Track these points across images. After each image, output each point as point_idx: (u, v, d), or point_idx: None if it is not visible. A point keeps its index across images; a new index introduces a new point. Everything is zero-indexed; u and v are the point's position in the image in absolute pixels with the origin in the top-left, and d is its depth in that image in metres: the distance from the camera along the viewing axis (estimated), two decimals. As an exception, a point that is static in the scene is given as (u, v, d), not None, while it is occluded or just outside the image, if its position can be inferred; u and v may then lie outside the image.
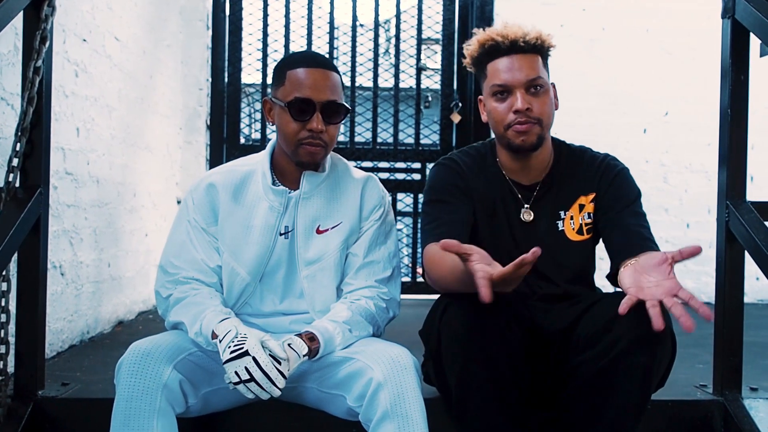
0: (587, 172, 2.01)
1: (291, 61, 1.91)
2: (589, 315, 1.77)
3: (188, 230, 1.93)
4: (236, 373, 1.61)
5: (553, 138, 2.05)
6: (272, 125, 1.94)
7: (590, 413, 1.70)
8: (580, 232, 1.99)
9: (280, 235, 1.91)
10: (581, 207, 1.99)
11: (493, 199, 1.99)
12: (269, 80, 4.54)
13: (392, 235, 2.02)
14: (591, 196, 2.00)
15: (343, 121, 1.90)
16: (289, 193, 1.92)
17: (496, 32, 1.92)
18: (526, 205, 1.99)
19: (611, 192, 1.97)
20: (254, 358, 1.60)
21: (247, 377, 1.60)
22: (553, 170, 2.01)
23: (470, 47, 1.98)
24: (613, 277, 1.87)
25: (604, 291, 2.05)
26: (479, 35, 1.95)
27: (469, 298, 1.68)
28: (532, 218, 1.98)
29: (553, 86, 1.98)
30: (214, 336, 1.72)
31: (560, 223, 1.99)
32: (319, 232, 1.93)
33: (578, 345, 1.73)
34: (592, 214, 1.99)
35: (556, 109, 1.98)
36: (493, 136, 2.04)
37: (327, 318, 1.83)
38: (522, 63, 1.90)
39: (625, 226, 1.91)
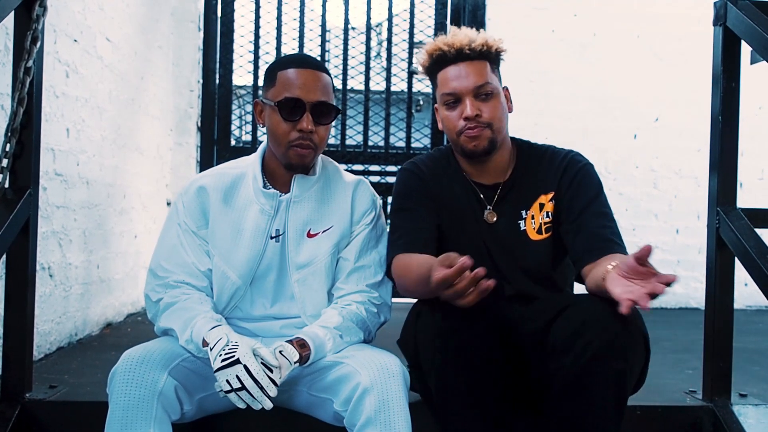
0: (548, 169, 2.01)
1: (282, 62, 1.91)
2: (561, 319, 1.74)
3: (178, 233, 1.92)
4: (228, 381, 1.60)
5: (515, 139, 2.07)
6: (263, 127, 1.94)
7: (570, 419, 1.69)
8: (539, 231, 1.99)
9: (271, 238, 1.90)
10: (541, 206, 1.99)
11: (458, 201, 2.00)
12: (260, 82, 4.53)
13: (383, 239, 2.01)
14: (550, 195, 1.99)
15: (332, 123, 1.90)
16: (280, 196, 1.91)
17: (443, 41, 1.95)
18: (489, 207, 2.00)
19: (571, 191, 1.96)
20: (245, 367, 1.59)
21: (239, 386, 1.59)
22: (516, 171, 2.02)
23: (422, 58, 2.01)
24: (578, 280, 1.91)
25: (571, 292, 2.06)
26: (427, 45, 1.99)
27: (440, 304, 1.68)
28: (495, 219, 1.99)
29: (506, 89, 2.00)
30: (205, 344, 1.71)
31: (522, 222, 1.99)
32: (309, 235, 1.92)
33: (554, 350, 1.72)
34: (551, 213, 1.99)
35: (510, 111, 2.00)
36: None
37: (318, 324, 1.82)
38: (469, 70, 1.92)
39: (586, 229, 1.90)
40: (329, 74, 1.91)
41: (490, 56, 1.95)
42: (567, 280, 2.07)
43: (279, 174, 1.93)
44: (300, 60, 1.91)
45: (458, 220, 1.99)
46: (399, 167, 2.09)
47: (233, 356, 1.60)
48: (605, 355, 1.63)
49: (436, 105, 2.04)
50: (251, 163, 1.96)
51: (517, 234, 1.98)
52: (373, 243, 1.98)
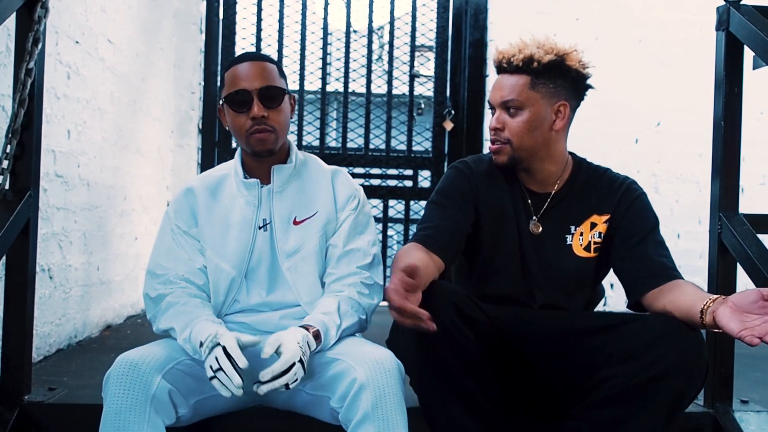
0: (605, 192, 1.99)
1: (228, 64, 1.97)
2: (629, 328, 1.74)
3: (173, 236, 1.96)
4: (210, 367, 1.64)
5: (573, 154, 2.06)
6: (228, 128, 1.99)
7: (612, 426, 1.68)
8: (587, 249, 1.97)
9: (259, 228, 1.94)
10: (593, 225, 1.98)
11: (505, 204, 1.99)
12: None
13: (370, 225, 2.03)
14: (605, 217, 1.98)
15: (284, 105, 1.92)
16: (262, 186, 1.95)
17: (499, 50, 1.96)
18: (534, 217, 1.98)
19: (629, 219, 1.95)
20: (224, 347, 1.63)
21: (217, 367, 1.63)
22: (568, 184, 2.01)
23: None
24: (635, 307, 1.89)
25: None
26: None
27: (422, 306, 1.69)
28: (540, 231, 1.98)
29: (562, 105, 1.95)
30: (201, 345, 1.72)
31: (569, 237, 1.98)
32: (296, 223, 1.95)
33: (611, 358, 1.71)
34: (602, 234, 1.97)
35: (556, 129, 1.95)
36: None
37: (319, 311, 1.84)
38: (504, 83, 1.94)
39: (646, 256, 1.89)
40: (274, 62, 1.96)
41: (532, 70, 1.91)
42: (593, 303, 2.07)
43: (256, 167, 1.98)
44: (241, 56, 1.97)
45: (500, 224, 1.98)
46: (449, 166, 2.10)
47: (216, 342, 1.65)
48: (674, 373, 1.63)
49: None
50: (233, 164, 2.02)
51: (562, 247, 1.97)
52: (360, 228, 1.99)
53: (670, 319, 1.71)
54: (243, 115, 1.89)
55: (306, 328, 1.74)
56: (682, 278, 1.85)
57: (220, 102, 1.95)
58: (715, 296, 1.64)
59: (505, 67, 1.93)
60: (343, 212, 1.98)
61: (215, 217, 1.95)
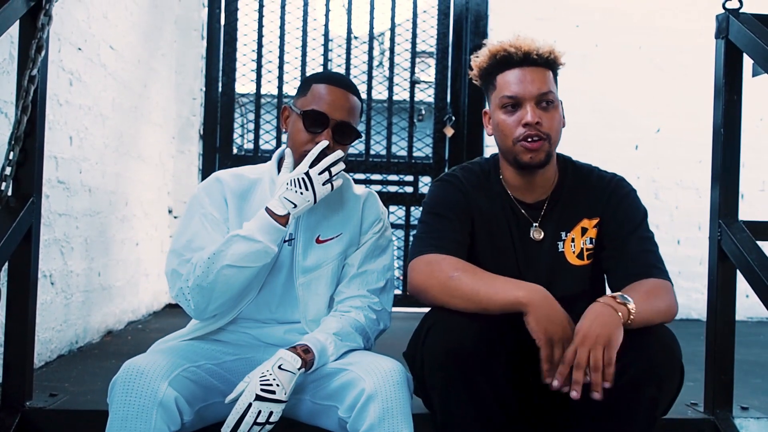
0: (593, 193, 1.94)
1: (319, 76, 1.95)
2: None
3: (203, 221, 1.90)
4: (320, 183, 1.80)
5: (558, 154, 1.98)
6: (285, 132, 1.97)
7: None
8: (580, 256, 1.92)
9: (284, 242, 1.92)
10: (584, 230, 1.93)
11: (496, 217, 1.93)
12: (263, 90, 4.57)
13: (389, 249, 2.03)
14: (595, 221, 1.93)
15: (348, 144, 1.91)
16: None
17: (509, 43, 1.87)
18: (535, 224, 1.93)
19: (617, 218, 1.91)
20: (306, 174, 1.79)
21: (326, 177, 1.80)
22: (558, 188, 1.95)
23: (479, 58, 1.93)
24: None
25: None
26: (491, 46, 1.91)
27: (450, 322, 1.68)
28: (542, 236, 1.92)
29: (561, 103, 1.93)
30: (272, 213, 1.78)
31: (560, 244, 1.92)
32: (318, 241, 1.95)
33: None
34: (594, 240, 1.93)
35: (564, 126, 1.93)
36: (489, 153, 2.03)
37: (318, 330, 1.84)
38: (534, 76, 1.85)
39: (628, 253, 1.86)
40: (361, 99, 1.94)
41: (554, 65, 1.89)
42: None
43: None
44: (336, 78, 1.95)
45: (494, 237, 1.92)
46: (434, 180, 2.00)
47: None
48: (642, 382, 1.62)
49: (485, 110, 1.97)
50: (268, 170, 1.99)
51: (555, 255, 1.92)
52: (378, 251, 2.00)
53: (636, 329, 1.66)
54: (309, 134, 1.86)
55: (294, 347, 1.73)
56: (662, 275, 1.82)
57: (293, 107, 1.92)
58: (610, 294, 1.69)
59: (534, 59, 1.85)
60: (366, 235, 1.99)
61: (243, 222, 1.88)
